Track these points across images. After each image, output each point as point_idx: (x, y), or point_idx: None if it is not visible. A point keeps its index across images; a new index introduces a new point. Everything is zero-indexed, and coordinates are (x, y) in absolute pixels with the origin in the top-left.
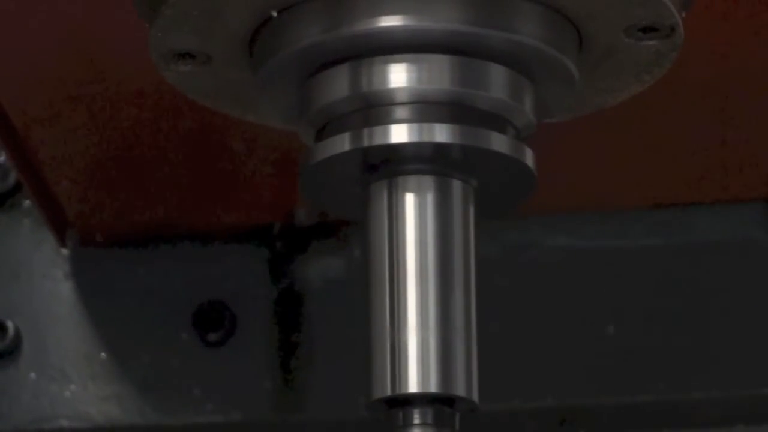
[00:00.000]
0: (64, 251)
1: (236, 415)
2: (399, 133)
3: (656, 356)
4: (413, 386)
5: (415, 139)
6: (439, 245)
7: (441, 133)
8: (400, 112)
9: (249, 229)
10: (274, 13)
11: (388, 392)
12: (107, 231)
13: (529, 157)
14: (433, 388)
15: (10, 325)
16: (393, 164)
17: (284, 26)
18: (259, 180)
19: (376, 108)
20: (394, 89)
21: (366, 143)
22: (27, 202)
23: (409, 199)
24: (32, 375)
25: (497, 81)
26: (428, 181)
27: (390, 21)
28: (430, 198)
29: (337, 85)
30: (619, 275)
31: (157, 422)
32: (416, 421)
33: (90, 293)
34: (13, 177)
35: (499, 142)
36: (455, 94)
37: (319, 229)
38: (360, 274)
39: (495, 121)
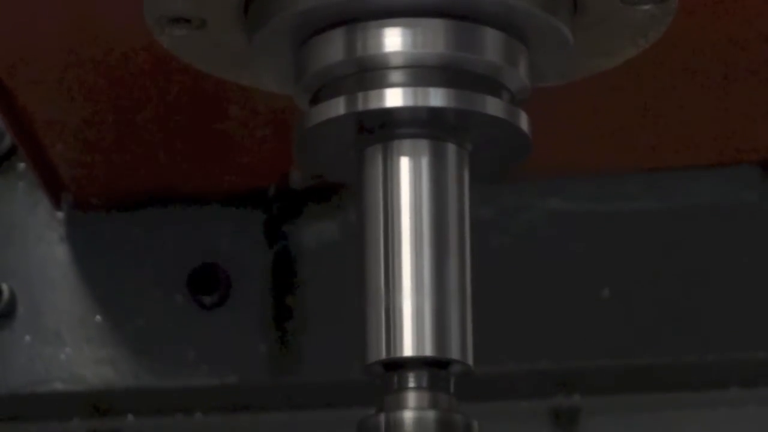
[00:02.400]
0: (59, 214)
1: (231, 377)
2: (394, 97)
3: (651, 319)
4: (408, 350)
5: (409, 103)
6: (433, 209)
7: (436, 97)
8: (395, 76)
9: (244, 192)
10: None
11: (383, 356)
12: (102, 194)
13: (523, 121)
14: (428, 351)
15: (4, 287)
16: (388, 128)
17: None
18: (254, 143)
19: (371, 72)
20: (388, 53)
21: (361, 107)
22: (22, 165)
23: (404, 163)
24: (27, 338)
25: (492, 45)
26: (423, 145)
27: None
28: (424, 162)
29: (332, 49)
30: (614, 238)
31: (152, 385)
32: (411, 384)
33: (85, 256)
34: (8, 140)
35: (493, 106)
36: (450, 58)
37: (314, 192)
38: (355, 237)
39: (490, 85)
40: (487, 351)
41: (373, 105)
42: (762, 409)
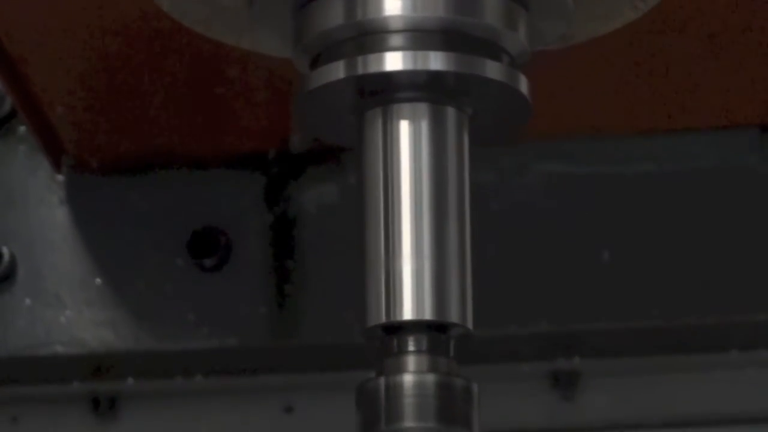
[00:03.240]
0: (60, 177)
1: (231, 340)
2: (394, 61)
3: (651, 282)
4: (408, 313)
5: (409, 66)
6: (433, 173)
7: (435, 61)
8: (395, 39)
9: (244, 155)
10: None
11: (383, 319)
12: (102, 157)
13: (523, 85)
14: (427, 315)
15: (5, 251)
16: (387, 92)
17: None
18: (253, 107)
19: (371, 36)
20: (388, 17)
21: (360, 71)
22: (22, 129)
23: (404, 127)
24: (27, 301)
25: (491, 8)
26: (423, 108)
27: None
28: (424, 125)
29: (332, 13)
30: (614, 201)
31: (152, 347)
32: (411, 347)
33: (85, 219)
34: (8, 103)
35: (493, 70)
36: (449, 22)
37: (314, 155)
38: (355, 200)
39: (489, 48)
40: (487, 314)
41: (372, 69)
42: (762, 372)
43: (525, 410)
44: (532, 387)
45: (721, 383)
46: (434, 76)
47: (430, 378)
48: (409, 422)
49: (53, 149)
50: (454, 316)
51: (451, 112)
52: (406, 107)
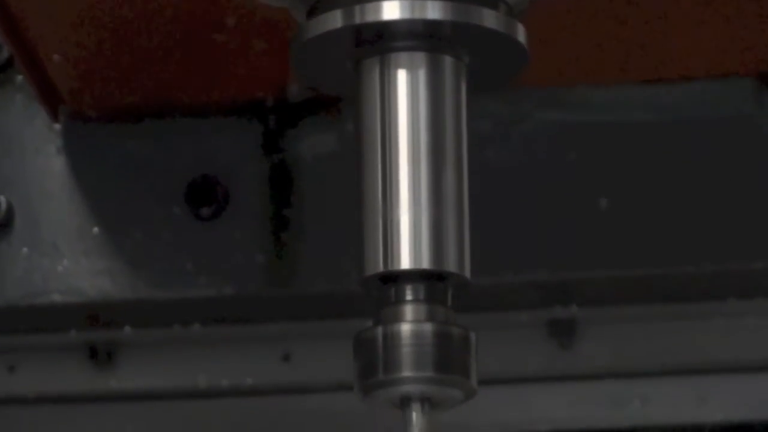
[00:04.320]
0: (57, 126)
1: (229, 288)
2: (391, 10)
3: (648, 230)
4: (405, 263)
5: (406, 15)
6: (431, 122)
7: (433, 10)
8: None
9: (241, 104)
10: None
11: (381, 268)
12: (99, 106)
13: (520, 33)
14: (425, 264)
15: (2, 200)
16: (385, 41)
17: None
18: (251, 55)
19: None
20: None
21: (358, 20)
22: (19, 78)
23: (401, 76)
24: (24, 250)
25: None
26: (420, 58)
27: None
28: (422, 75)
29: None
30: (612, 150)
31: (150, 296)
32: (408, 297)
33: (82, 168)
34: (5, 52)
35: (490, 18)
36: None
37: (311, 104)
38: (352, 149)
39: None
40: (484, 263)
41: (370, 18)
42: (760, 320)
43: (522, 358)
44: (529, 335)
45: (719, 331)
46: (431, 25)
47: (428, 327)
48: (406, 371)
49: (50, 98)
50: (451, 266)
51: (448, 61)
52: (403, 56)
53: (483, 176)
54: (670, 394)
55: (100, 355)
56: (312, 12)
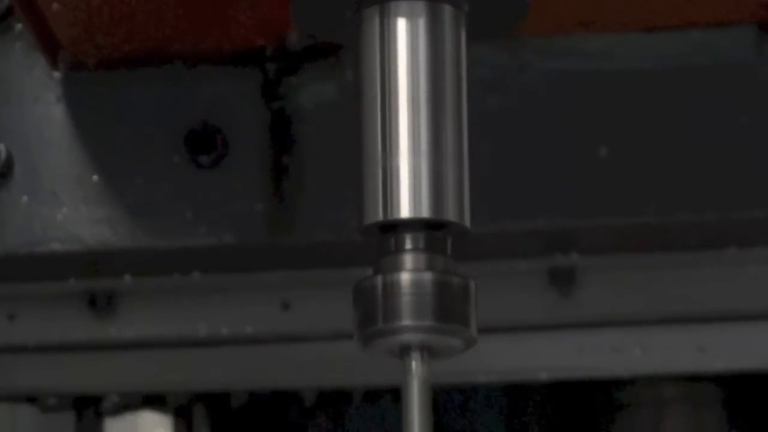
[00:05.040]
0: (56, 74)
1: (228, 237)
2: None
3: (649, 178)
4: (405, 212)
5: None
6: (430, 70)
7: None
8: None
9: (241, 52)
10: None
11: (380, 217)
12: (99, 54)
13: None
14: (425, 213)
15: (1, 148)
16: None
17: None
18: (251, 3)
19: None
20: None
21: None
22: (19, 26)
23: (401, 25)
24: (24, 198)
25: None
26: (420, 6)
27: None
28: (421, 23)
29: None
30: (612, 98)
31: (149, 245)
32: (408, 246)
33: (82, 116)
34: (5, 1)
35: None
36: None
37: (311, 52)
38: (352, 97)
39: None
40: (484, 211)
41: None
42: (760, 269)
43: (522, 306)
44: (529, 284)
45: (720, 280)
46: None
47: (428, 276)
48: (406, 320)
49: (50, 47)
50: (451, 214)
51: (447, 10)
52: (403, 5)
53: (482, 125)
54: (670, 342)
55: (99, 304)
56: None
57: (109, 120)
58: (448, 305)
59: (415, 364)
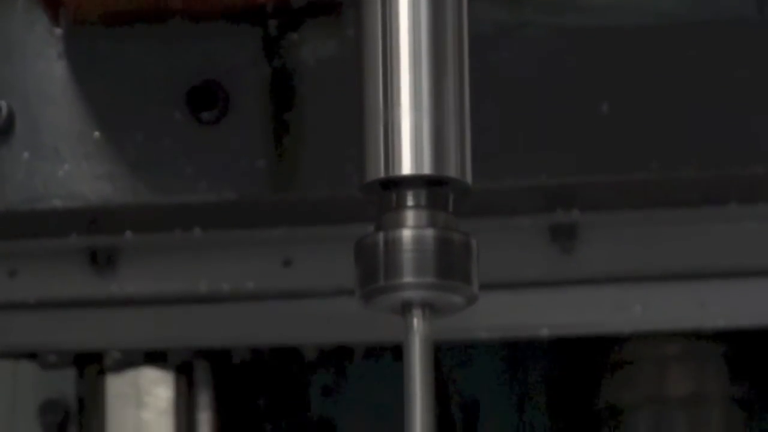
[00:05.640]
0: (58, 31)
1: (230, 193)
2: None
3: (649, 135)
4: (406, 168)
5: None
6: (432, 26)
7: None
8: None
9: (243, 8)
10: None
11: (382, 174)
12: (101, 10)
13: None
14: (426, 170)
15: (3, 104)
16: None
17: None
18: None
19: None
20: None
21: None
22: None
23: None
24: (25, 155)
25: None
26: None
27: None
28: None
29: None
30: (613, 54)
31: (150, 201)
32: (409, 203)
33: (83, 72)
34: None
35: None
36: None
37: (313, 7)
38: (353, 53)
39: None
40: (485, 167)
41: None
42: (760, 225)
43: (524, 263)
44: (531, 240)
45: (720, 236)
46: None
47: (429, 233)
48: (407, 277)
49: (51, 3)
50: (452, 171)
51: None
52: None
53: (484, 81)
54: (671, 298)
55: (100, 260)
56: None
57: (111, 76)
58: (449, 262)
59: (417, 321)
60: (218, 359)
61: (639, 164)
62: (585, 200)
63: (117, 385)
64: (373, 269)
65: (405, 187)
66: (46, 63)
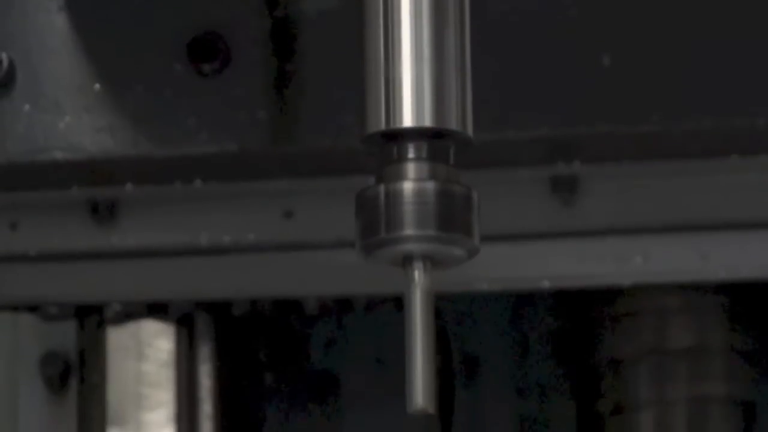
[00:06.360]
0: None
1: (231, 145)
2: None
3: (651, 86)
4: (408, 120)
5: None
6: None
7: None
8: None
9: None
10: None
11: (383, 126)
12: None
13: None
14: (427, 122)
15: (3, 57)
16: None
17: None
18: None
19: None
20: None
21: None
22: None
23: None
24: (26, 107)
25: None
26: None
27: None
28: None
29: None
30: (615, 4)
31: (151, 153)
32: (411, 155)
33: (84, 24)
34: None
35: None
36: None
37: None
38: (355, 5)
39: None
40: (486, 119)
41: None
42: (763, 177)
43: (525, 215)
44: (532, 192)
45: (722, 188)
46: None
47: (430, 185)
48: (408, 230)
49: None
50: (453, 123)
51: None
52: None
53: (484, 32)
54: (671, 251)
55: (101, 212)
56: None
57: (112, 28)
58: (450, 214)
59: (418, 274)
60: (219, 311)
61: (640, 116)
62: (586, 152)
63: (118, 337)
64: (374, 222)
65: (406, 140)
66: (47, 15)
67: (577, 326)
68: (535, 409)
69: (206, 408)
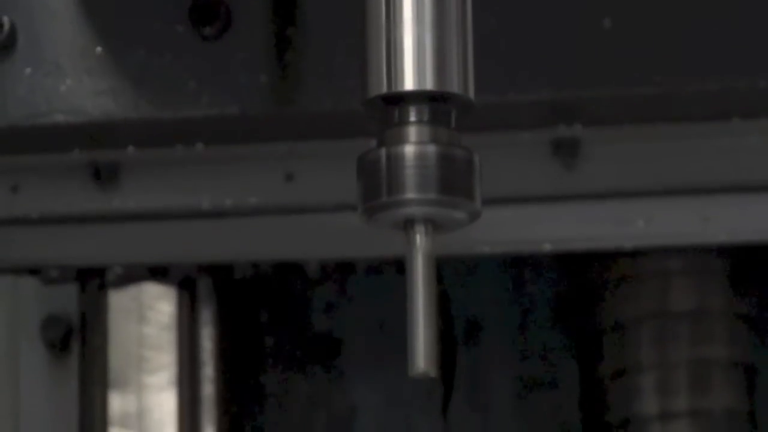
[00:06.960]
0: None
1: (232, 108)
2: None
3: (652, 49)
4: (409, 84)
5: None
6: None
7: None
8: None
9: None
10: None
11: (384, 90)
12: None
13: None
14: (429, 85)
15: (5, 20)
16: None
17: None
18: None
19: None
20: None
21: None
22: None
23: None
24: (28, 70)
25: None
26: None
27: None
28: None
29: None
30: None
31: (153, 116)
32: (412, 118)
33: None
34: None
35: None
36: None
37: None
38: None
39: None
40: (488, 82)
41: None
42: (764, 140)
43: (526, 178)
44: (533, 155)
45: (723, 151)
46: None
47: (432, 149)
48: (410, 193)
49: None
50: (455, 86)
51: None
52: None
53: None
54: (673, 213)
55: (103, 175)
56: None
57: None
58: (452, 178)
59: (419, 237)
60: (220, 274)
61: (642, 78)
62: (587, 115)
63: (119, 300)
64: (376, 185)
65: (407, 103)
66: None
67: (579, 289)
68: (537, 372)
69: (207, 371)
